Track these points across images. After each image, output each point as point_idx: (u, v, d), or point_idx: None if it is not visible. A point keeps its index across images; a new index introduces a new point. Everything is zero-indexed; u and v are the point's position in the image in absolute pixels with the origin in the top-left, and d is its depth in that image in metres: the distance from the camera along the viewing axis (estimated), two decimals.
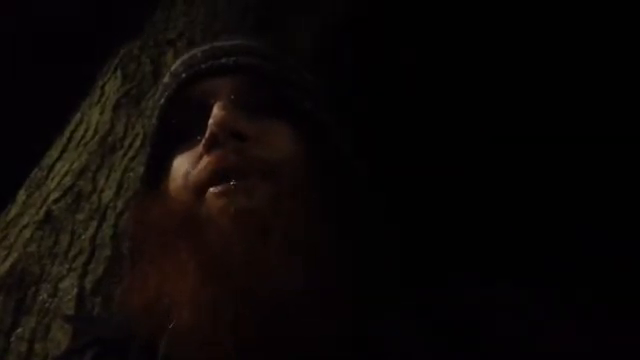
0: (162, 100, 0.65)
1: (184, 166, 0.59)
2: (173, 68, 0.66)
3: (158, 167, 0.63)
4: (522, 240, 1.86)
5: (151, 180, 0.64)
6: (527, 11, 2.13)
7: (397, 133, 1.98)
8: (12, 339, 0.90)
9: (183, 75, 0.63)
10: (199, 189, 0.56)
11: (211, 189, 0.55)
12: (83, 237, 1.06)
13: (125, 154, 1.24)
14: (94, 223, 1.08)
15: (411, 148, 2.02)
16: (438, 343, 0.53)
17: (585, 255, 1.82)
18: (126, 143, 1.27)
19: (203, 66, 0.63)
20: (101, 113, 1.38)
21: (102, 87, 1.49)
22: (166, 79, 0.67)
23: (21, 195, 1.21)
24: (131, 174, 1.18)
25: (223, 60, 0.62)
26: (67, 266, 1.00)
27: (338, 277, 0.51)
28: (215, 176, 0.55)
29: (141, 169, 1.17)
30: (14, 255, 1.04)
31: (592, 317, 0.56)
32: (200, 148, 0.57)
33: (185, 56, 0.66)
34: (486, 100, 2.15)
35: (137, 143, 1.26)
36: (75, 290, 0.96)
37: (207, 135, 0.56)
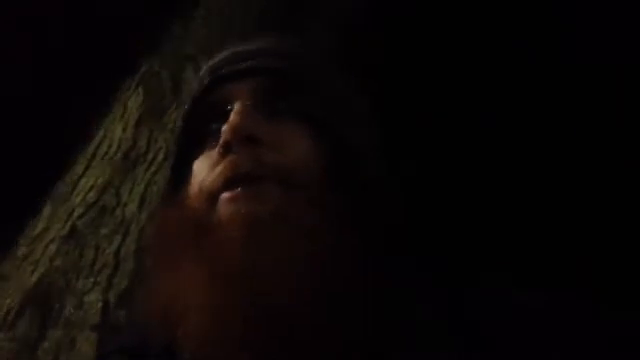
0: (186, 106, 0.66)
1: (201, 172, 0.59)
2: (200, 74, 0.67)
3: (182, 172, 0.63)
4: (538, 243, 1.85)
5: (175, 185, 0.64)
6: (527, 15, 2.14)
7: (420, 137, 1.98)
8: (38, 352, 0.91)
9: (206, 81, 0.64)
10: (213, 195, 0.55)
11: (223, 195, 0.54)
12: (107, 251, 1.07)
13: (148, 168, 1.25)
14: (118, 237, 1.10)
15: (432, 153, 2.01)
16: (453, 349, 0.52)
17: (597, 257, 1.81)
18: (149, 157, 1.29)
19: (223, 71, 0.63)
20: (124, 129, 1.40)
21: (124, 103, 1.51)
22: (192, 87, 0.67)
23: (47, 210, 1.23)
24: (154, 188, 1.20)
25: (242, 64, 0.62)
26: (92, 280, 1.01)
27: (346, 289, 0.50)
28: (228, 182, 0.54)
29: (163, 182, 1.20)
30: (40, 270, 1.06)
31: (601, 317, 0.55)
32: (215, 154, 0.57)
33: (210, 62, 0.66)
34: (512, 108, 2.14)
35: (160, 157, 1.28)
36: (100, 303, 0.97)
37: (221, 141, 0.56)
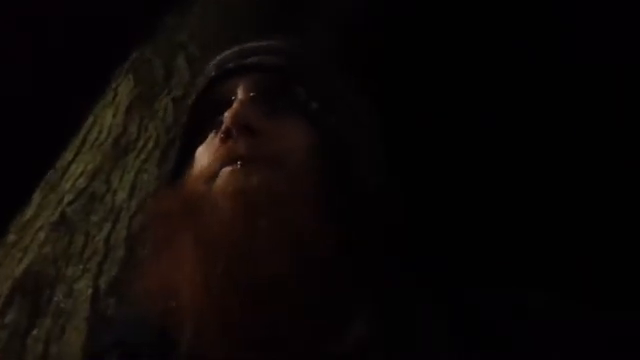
0: (192, 97, 0.68)
1: (203, 157, 0.61)
2: (206, 69, 0.69)
3: (185, 160, 0.65)
4: (539, 243, 1.86)
5: (177, 174, 0.66)
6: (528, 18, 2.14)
7: (419, 137, 1.98)
8: (28, 340, 0.91)
9: (212, 74, 0.66)
10: (210, 177, 0.58)
11: (219, 174, 0.57)
12: (97, 238, 1.06)
13: (138, 156, 1.25)
14: (108, 224, 1.09)
15: (431, 153, 2.01)
16: (454, 349, 0.53)
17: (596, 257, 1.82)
18: (139, 145, 1.28)
19: (230, 65, 0.65)
20: (114, 115, 1.39)
21: (115, 89, 1.50)
22: (199, 79, 0.70)
23: (36, 197, 1.22)
24: (144, 175, 1.19)
25: (249, 59, 0.65)
26: (81, 267, 1.01)
27: (327, 269, 0.52)
28: (224, 164, 0.57)
29: (154, 170, 1.20)
30: (29, 257, 1.05)
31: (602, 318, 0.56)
32: (217, 141, 0.59)
33: (218, 57, 0.69)
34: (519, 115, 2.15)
35: (150, 145, 1.27)
36: (90, 290, 0.96)
37: (222, 129, 0.58)
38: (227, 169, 0.56)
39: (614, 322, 0.55)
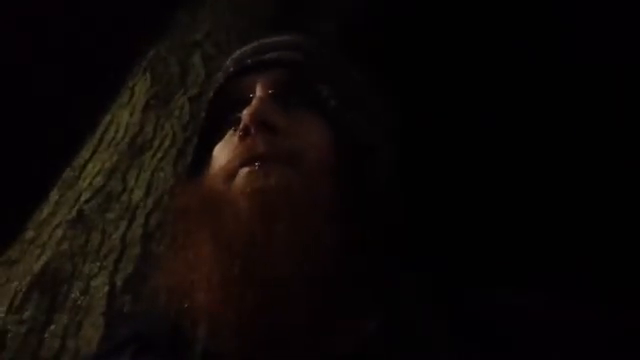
0: (210, 93, 0.68)
1: (222, 154, 0.61)
2: (224, 65, 0.69)
3: (203, 157, 0.65)
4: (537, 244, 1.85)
5: (196, 169, 0.66)
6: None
7: (423, 137, 1.97)
8: (45, 336, 0.92)
9: (231, 69, 0.66)
10: (230, 174, 0.58)
11: (238, 172, 0.57)
12: (114, 236, 1.07)
13: (154, 154, 1.26)
14: (124, 222, 1.10)
15: (432, 154, 2.01)
16: (454, 349, 0.53)
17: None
18: (155, 143, 1.29)
19: (249, 61, 0.65)
20: (131, 114, 1.40)
21: (132, 88, 1.51)
22: (217, 75, 0.70)
23: (54, 195, 1.24)
24: (160, 174, 1.20)
25: (267, 55, 0.65)
26: (98, 264, 1.02)
27: (340, 271, 0.52)
28: (244, 162, 0.57)
29: (171, 169, 1.20)
30: (47, 254, 1.06)
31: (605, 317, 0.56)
32: (235, 138, 0.59)
33: (236, 53, 0.69)
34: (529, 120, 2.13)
35: (166, 143, 1.28)
36: (106, 288, 0.97)
37: (241, 125, 0.59)
38: (245, 169, 0.57)
39: (614, 322, 0.55)
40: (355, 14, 1.92)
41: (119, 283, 0.98)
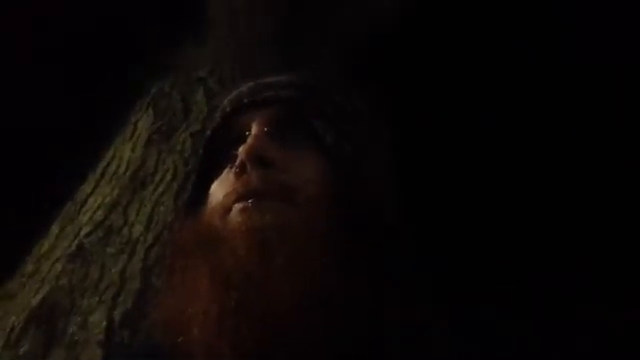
0: (208, 132, 0.70)
1: (219, 191, 0.62)
2: (222, 104, 0.71)
3: (200, 193, 0.66)
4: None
5: (193, 205, 0.67)
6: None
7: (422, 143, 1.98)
8: None
9: (228, 109, 0.68)
10: (226, 210, 0.59)
11: (233, 207, 0.58)
12: (113, 270, 1.07)
13: (155, 189, 1.26)
14: (124, 256, 1.10)
15: (433, 155, 2.01)
16: (454, 349, 0.53)
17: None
18: (157, 178, 1.29)
19: (246, 100, 0.67)
20: (133, 149, 1.41)
21: (135, 123, 1.52)
22: (215, 113, 0.72)
23: (54, 228, 1.24)
24: (161, 209, 1.20)
25: (264, 94, 0.67)
26: (97, 299, 1.02)
27: (339, 300, 0.52)
28: (240, 197, 0.58)
29: (171, 203, 1.21)
30: (46, 288, 1.06)
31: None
32: (232, 175, 0.60)
33: (233, 92, 0.71)
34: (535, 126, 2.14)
35: (167, 178, 1.29)
36: (104, 323, 0.97)
37: (237, 162, 0.60)
38: (240, 205, 0.58)
39: (614, 322, 0.55)
40: (357, 35, 1.94)
41: (117, 318, 0.98)
